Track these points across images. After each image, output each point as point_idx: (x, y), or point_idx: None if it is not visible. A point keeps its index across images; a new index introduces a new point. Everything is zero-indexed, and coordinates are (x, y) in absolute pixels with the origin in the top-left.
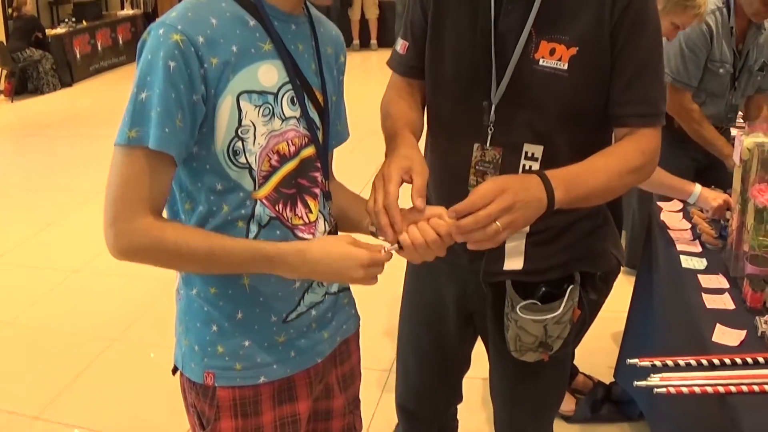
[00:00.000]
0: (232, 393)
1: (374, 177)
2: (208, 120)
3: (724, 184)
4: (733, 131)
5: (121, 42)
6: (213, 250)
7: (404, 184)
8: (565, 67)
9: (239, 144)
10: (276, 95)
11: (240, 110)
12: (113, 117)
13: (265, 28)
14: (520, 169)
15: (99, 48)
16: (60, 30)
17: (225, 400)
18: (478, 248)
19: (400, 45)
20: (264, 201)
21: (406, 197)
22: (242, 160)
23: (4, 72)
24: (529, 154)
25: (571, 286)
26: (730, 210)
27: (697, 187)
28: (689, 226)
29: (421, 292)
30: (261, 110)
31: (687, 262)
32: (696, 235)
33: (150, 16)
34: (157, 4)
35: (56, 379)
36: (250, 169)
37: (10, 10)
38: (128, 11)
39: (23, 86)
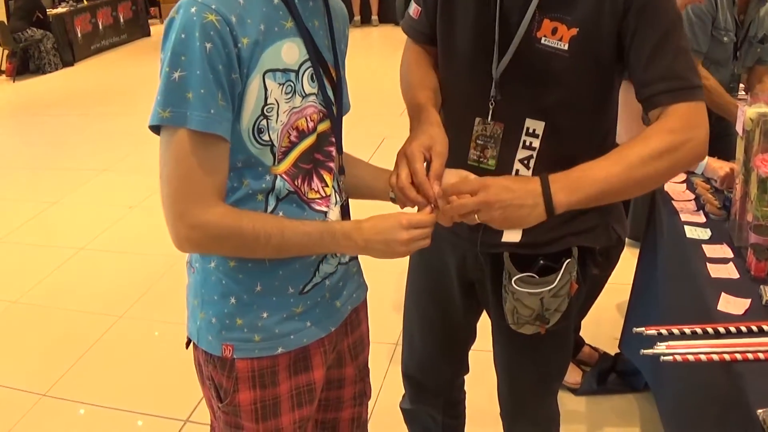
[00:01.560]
0: (250, 364)
1: (398, 151)
2: (237, 99)
3: (729, 155)
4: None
5: (122, 20)
6: (284, 234)
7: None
8: (566, 47)
9: (264, 122)
10: (297, 72)
11: (266, 89)
12: (115, 96)
13: (287, 6)
14: (520, 145)
15: (100, 27)
16: (61, 9)
17: (243, 371)
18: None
19: (413, 9)
20: (283, 176)
21: None
22: (265, 137)
23: (6, 52)
24: (531, 130)
25: (567, 260)
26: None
27: (705, 158)
28: (693, 196)
29: (426, 261)
30: (284, 88)
31: (691, 232)
32: (700, 206)
33: None
34: None
35: (62, 357)
36: (272, 146)
37: None
38: None
39: (25, 66)
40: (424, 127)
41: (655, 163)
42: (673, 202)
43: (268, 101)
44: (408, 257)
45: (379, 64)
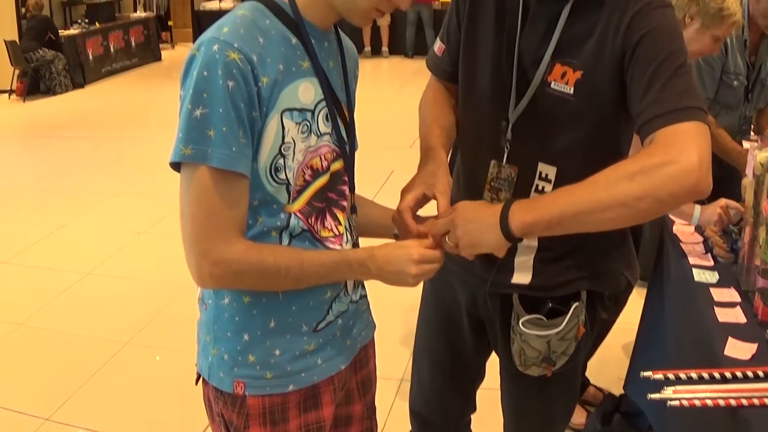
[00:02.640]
0: (261, 401)
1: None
2: (256, 137)
3: (738, 197)
4: (746, 144)
5: (133, 44)
6: (303, 266)
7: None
8: (571, 91)
9: (281, 161)
10: (313, 112)
11: (284, 128)
12: (125, 120)
13: (305, 47)
14: (533, 189)
15: (111, 50)
16: (73, 31)
17: (255, 408)
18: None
19: (437, 46)
20: (298, 214)
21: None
22: (282, 176)
23: (17, 71)
24: (543, 175)
25: (576, 304)
26: (731, 214)
27: (696, 208)
28: (701, 239)
29: (438, 298)
30: (300, 127)
31: (699, 275)
32: (708, 249)
33: (162, 19)
34: (169, 7)
35: (67, 382)
36: (288, 184)
37: (23, 10)
38: (141, 14)
39: (35, 86)
40: (429, 167)
41: (623, 184)
42: (681, 244)
43: (286, 140)
44: (419, 290)
45: (388, 96)
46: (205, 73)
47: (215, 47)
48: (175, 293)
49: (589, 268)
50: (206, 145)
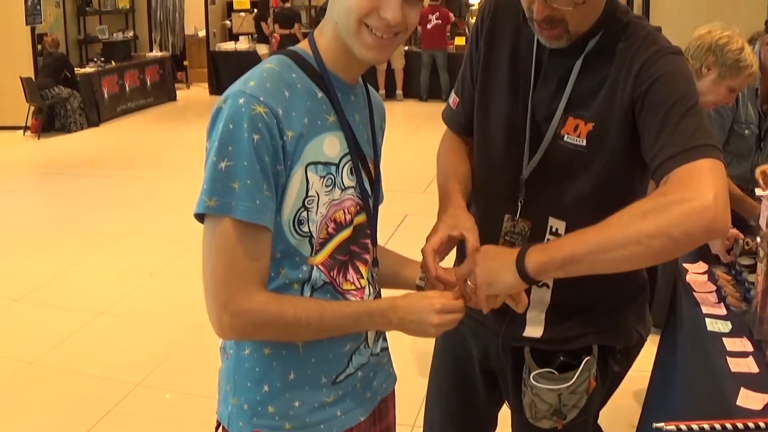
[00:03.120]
0: None
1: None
2: (280, 190)
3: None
4: (759, 192)
5: (148, 83)
6: (324, 317)
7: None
8: (584, 143)
9: (304, 214)
10: (338, 166)
11: (308, 181)
12: (139, 159)
13: (330, 101)
14: (544, 242)
15: (127, 89)
16: (89, 69)
17: None
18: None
19: (452, 99)
20: (320, 267)
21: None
22: (305, 229)
23: (32, 108)
24: (554, 229)
25: (587, 358)
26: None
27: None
28: (714, 288)
29: (451, 350)
30: (324, 180)
31: (712, 325)
32: (721, 298)
33: (178, 59)
34: (185, 47)
35: (78, 422)
36: (311, 237)
37: (40, 47)
38: (156, 53)
39: (50, 124)
40: (449, 210)
41: (636, 222)
42: (694, 293)
43: (309, 193)
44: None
45: (402, 139)
46: (231, 126)
47: (241, 100)
48: (187, 335)
49: (601, 323)
50: (230, 197)
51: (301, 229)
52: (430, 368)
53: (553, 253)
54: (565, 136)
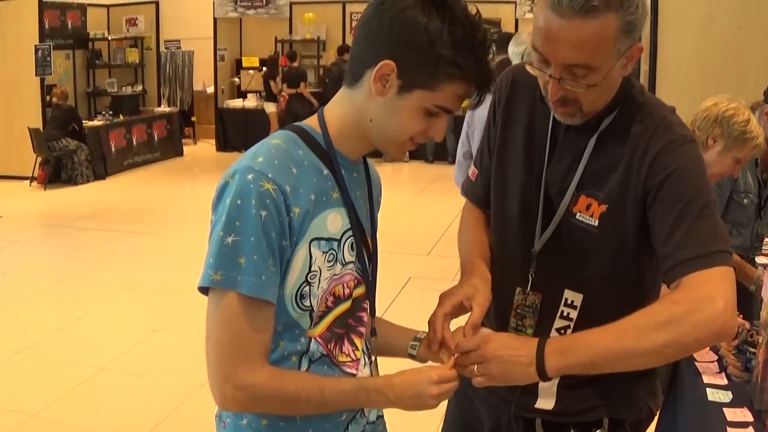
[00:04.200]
0: None
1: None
2: (284, 265)
3: (751, 316)
4: (759, 260)
5: (156, 138)
6: (324, 393)
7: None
8: (596, 223)
9: (307, 288)
10: (339, 241)
11: (311, 256)
12: (144, 214)
13: (335, 178)
14: (558, 314)
15: (134, 143)
16: (97, 122)
17: None
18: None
19: (471, 171)
20: (318, 339)
21: None
22: (306, 303)
23: (39, 159)
24: (569, 301)
25: (598, 431)
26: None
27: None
28: (716, 357)
29: (462, 419)
30: (327, 256)
31: (713, 394)
32: (722, 367)
33: (186, 115)
34: (193, 103)
35: None
36: (311, 311)
37: (49, 98)
38: (165, 108)
39: (57, 175)
40: (473, 280)
41: (652, 334)
42: (696, 362)
43: (312, 269)
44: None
45: (408, 201)
46: (239, 202)
47: (250, 176)
48: (188, 394)
49: (612, 396)
50: (236, 272)
51: (302, 303)
52: None
53: (573, 361)
54: (578, 215)
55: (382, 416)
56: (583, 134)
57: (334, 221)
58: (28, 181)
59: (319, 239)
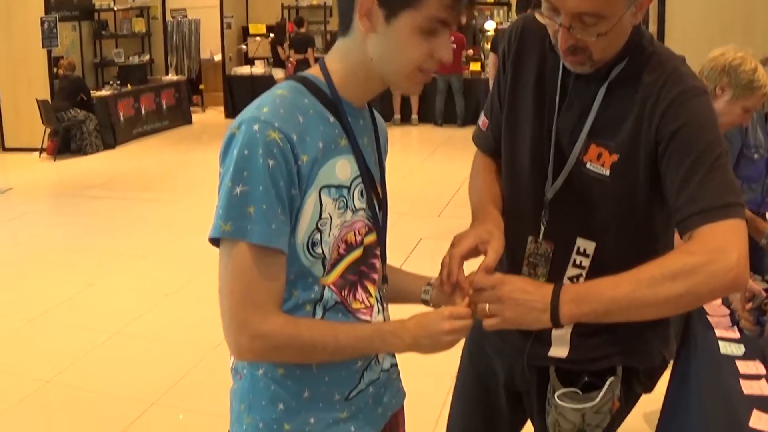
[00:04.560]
0: None
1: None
2: (294, 214)
3: (762, 269)
4: None
5: (164, 107)
6: (339, 339)
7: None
8: (607, 173)
9: (318, 236)
10: (349, 188)
11: (321, 204)
12: (154, 181)
13: (342, 125)
14: (570, 263)
15: (142, 112)
16: (105, 92)
17: None
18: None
19: (482, 120)
20: (331, 286)
21: None
22: (318, 250)
23: (48, 131)
24: (581, 249)
25: (611, 379)
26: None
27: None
28: (728, 311)
29: (475, 368)
30: (337, 203)
31: (725, 348)
32: (734, 321)
33: (194, 83)
34: (201, 70)
35: None
36: (323, 259)
37: (56, 70)
38: (172, 77)
39: (66, 146)
40: (486, 225)
41: (666, 284)
42: (708, 317)
43: (323, 216)
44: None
45: (418, 163)
46: (246, 152)
47: (256, 126)
48: (202, 355)
49: (625, 344)
50: (246, 221)
51: (314, 251)
52: (453, 388)
53: (587, 309)
54: (588, 164)
55: (396, 364)
56: (593, 83)
57: (343, 168)
58: (37, 153)
59: (329, 187)
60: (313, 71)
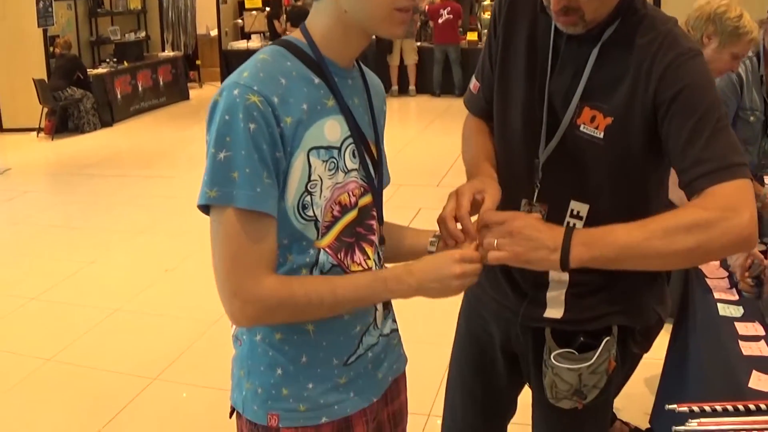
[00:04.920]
0: None
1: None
2: (282, 177)
3: (762, 232)
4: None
5: (161, 83)
6: (336, 292)
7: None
8: (601, 135)
9: (308, 198)
10: (340, 149)
11: (310, 166)
12: (153, 158)
13: (328, 85)
14: (564, 225)
15: (140, 89)
16: (101, 70)
17: None
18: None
19: (473, 84)
20: (327, 249)
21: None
22: (310, 213)
23: (45, 110)
24: (575, 212)
25: (607, 338)
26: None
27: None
28: (726, 274)
29: (471, 332)
30: (327, 164)
31: (724, 309)
32: (733, 283)
33: (190, 58)
34: (197, 46)
35: (96, 417)
36: (316, 221)
37: (52, 49)
38: (169, 53)
39: (64, 125)
40: (481, 177)
41: (680, 236)
42: (707, 279)
43: (312, 178)
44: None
45: (415, 134)
46: (227, 117)
47: (236, 91)
48: (203, 330)
49: (620, 303)
50: (231, 187)
51: (305, 214)
52: (451, 353)
53: (597, 253)
54: (582, 126)
55: (397, 330)
56: (585, 45)
57: (332, 129)
58: (35, 133)
59: (317, 148)
60: (296, 35)
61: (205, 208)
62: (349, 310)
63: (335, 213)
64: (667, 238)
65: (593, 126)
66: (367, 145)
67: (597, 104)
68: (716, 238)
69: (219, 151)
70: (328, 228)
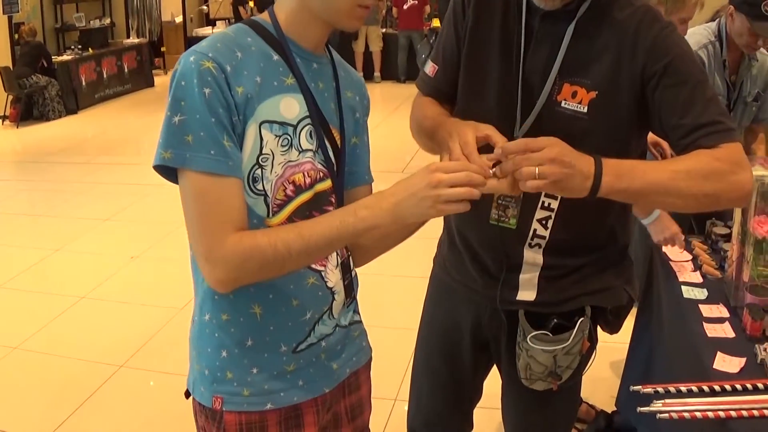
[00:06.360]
0: (238, 417)
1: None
2: (239, 141)
3: (724, 216)
4: None
5: (126, 70)
6: (303, 234)
7: None
8: (585, 110)
9: (259, 171)
10: (295, 127)
11: (262, 138)
12: (118, 145)
13: (287, 63)
14: (539, 206)
15: (104, 76)
16: (66, 57)
17: (231, 424)
18: (512, 191)
19: (429, 67)
20: None
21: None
22: (260, 187)
23: (10, 97)
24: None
25: (581, 319)
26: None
27: (656, 212)
28: (690, 257)
29: (438, 320)
30: (280, 140)
31: (688, 292)
32: (697, 266)
33: (155, 45)
34: (162, 33)
35: (63, 405)
36: (266, 196)
37: (17, 36)
38: (134, 40)
39: (29, 112)
40: (459, 123)
41: (700, 181)
42: (670, 262)
43: (264, 151)
44: (411, 309)
45: (381, 120)
46: (183, 83)
47: (192, 58)
48: (169, 317)
49: (591, 284)
50: (185, 149)
51: (255, 187)
52: (416, 339)
53: (626, 185)
54: (563, 103)
55: (359, 322)
56: (561, 22)
57: (289, 106)
58: (0, 120)
59: (270, 122)
60: (262, 15)
61: (160, 170)
62: (323, 253)
63: (288, 192)
64: (690, 180)
65: (576, 101)
66: (328, 130)
67: (577, 80)
68: (726, 191)
69: (174, 115)
70: (280, 207)
